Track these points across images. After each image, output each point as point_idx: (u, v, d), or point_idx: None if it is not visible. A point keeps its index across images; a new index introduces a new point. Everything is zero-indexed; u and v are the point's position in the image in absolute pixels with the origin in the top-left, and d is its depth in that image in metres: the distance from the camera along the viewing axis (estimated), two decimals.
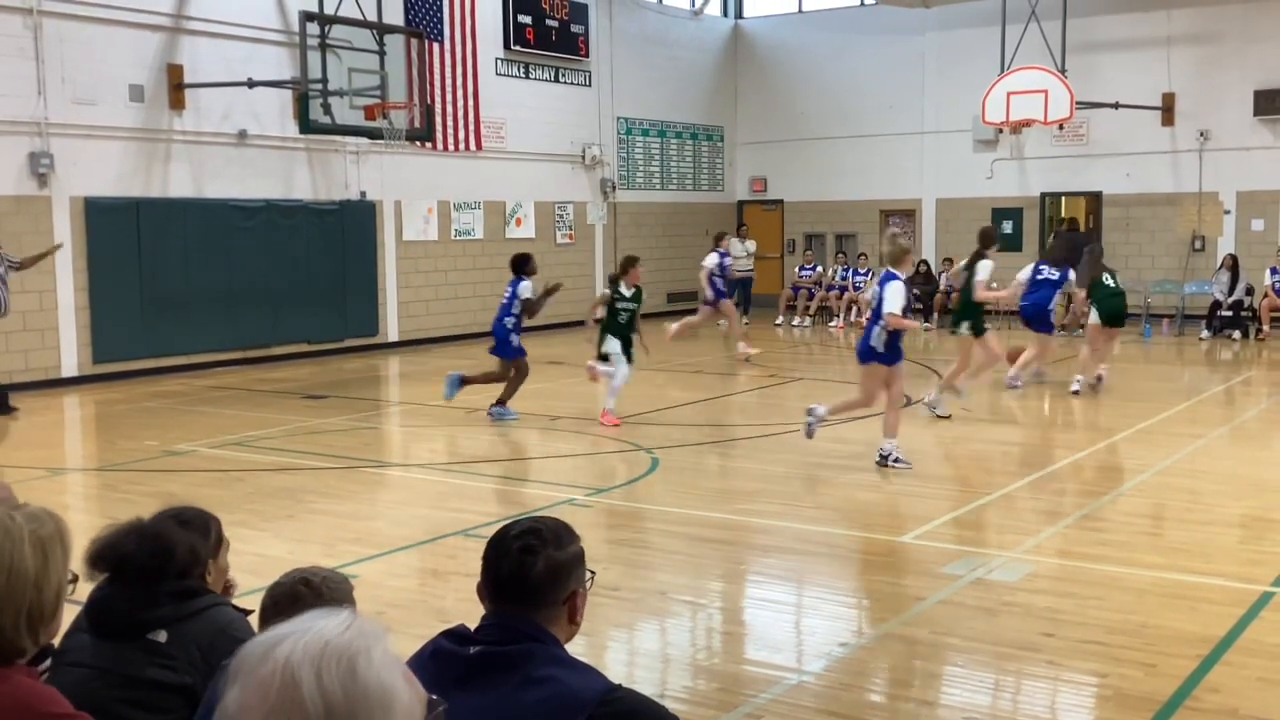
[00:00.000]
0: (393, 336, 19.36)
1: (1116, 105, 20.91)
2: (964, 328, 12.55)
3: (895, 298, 9.52)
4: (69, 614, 2.66)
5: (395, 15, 17.99)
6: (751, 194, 26.78)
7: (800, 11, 26.27)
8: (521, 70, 21.49)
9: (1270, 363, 17.19)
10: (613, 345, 12.04)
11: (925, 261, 23.12)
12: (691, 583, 6.93)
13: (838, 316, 22.78)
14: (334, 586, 2.97)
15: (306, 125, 15.62)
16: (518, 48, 21.16)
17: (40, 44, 14.67)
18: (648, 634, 6.17)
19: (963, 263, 12.93)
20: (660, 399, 13.42)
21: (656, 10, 24.83)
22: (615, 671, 4.91)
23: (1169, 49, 21.53)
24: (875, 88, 24.68)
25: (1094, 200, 23.12)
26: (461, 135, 20.07)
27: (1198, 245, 21.70)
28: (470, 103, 20.17)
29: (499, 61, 20.94)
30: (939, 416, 11.99)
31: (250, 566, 5.06)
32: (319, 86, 15.29)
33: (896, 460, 9.69)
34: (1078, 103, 19.78)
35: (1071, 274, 14.29)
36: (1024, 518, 8.38)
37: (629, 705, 2.37)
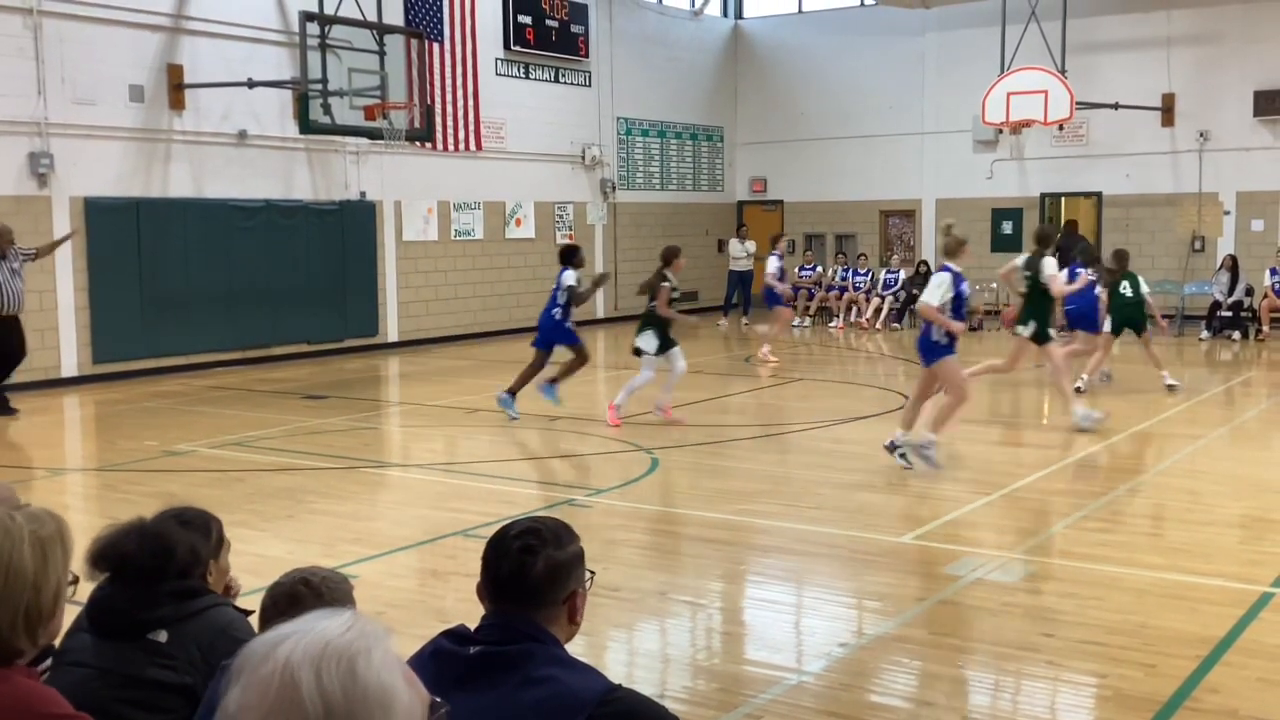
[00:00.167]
0: (393, 337, 19.36)
1: (1116, 106, 20.91)
2: (1028, 328, 11.77)
3: (936, 290, 9.38)
4: (70, 614, 2.66)
5: (395, 15, 17.99)
6: (751, 194, 26.78)
7: (800, 12, 26.27)
8: (521, 70, 21.50)
9: (1270, 363, 17.20)
10: (649, 343, 11.71)
11: (925, 262, 23.12)
12: (691, 583, 6.93)
13: (837, 317, 22.78)
14: (333, 587, 2.97)
15: (306, 125, 15.63)
16: (518, 48, 21.16)
17: (40, 44, 14.68)
18: (647, 634, 6.17)
19: (1019, 260, 12.17)
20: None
21: (656, 10, 24.83)
22: (615, 671, 4.91)
23: (1169, 49, 21.54)
24: (875, 88, 24.68)
25: (1094, 201, 23.13)
26: (461, 135, 20.07)
27: (1197, 246, 21.71)
28: (470, 103, 20.17)
29: (499, 62, 20.94)
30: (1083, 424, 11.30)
31: (250, 567, 5.06)
32: (319, 86, 15.29)
33: (923, 455, 9.39)
34: (1078, 103, 19.79)
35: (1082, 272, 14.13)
36: (1024, 518, 8.38)
37: (629, 705, 2.37)
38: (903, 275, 22.77)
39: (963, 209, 24.01)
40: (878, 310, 22.29)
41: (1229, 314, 19.86)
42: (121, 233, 15.44)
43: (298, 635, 1.37)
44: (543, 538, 2.52)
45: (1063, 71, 19.74)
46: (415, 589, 6.86)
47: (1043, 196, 23.48)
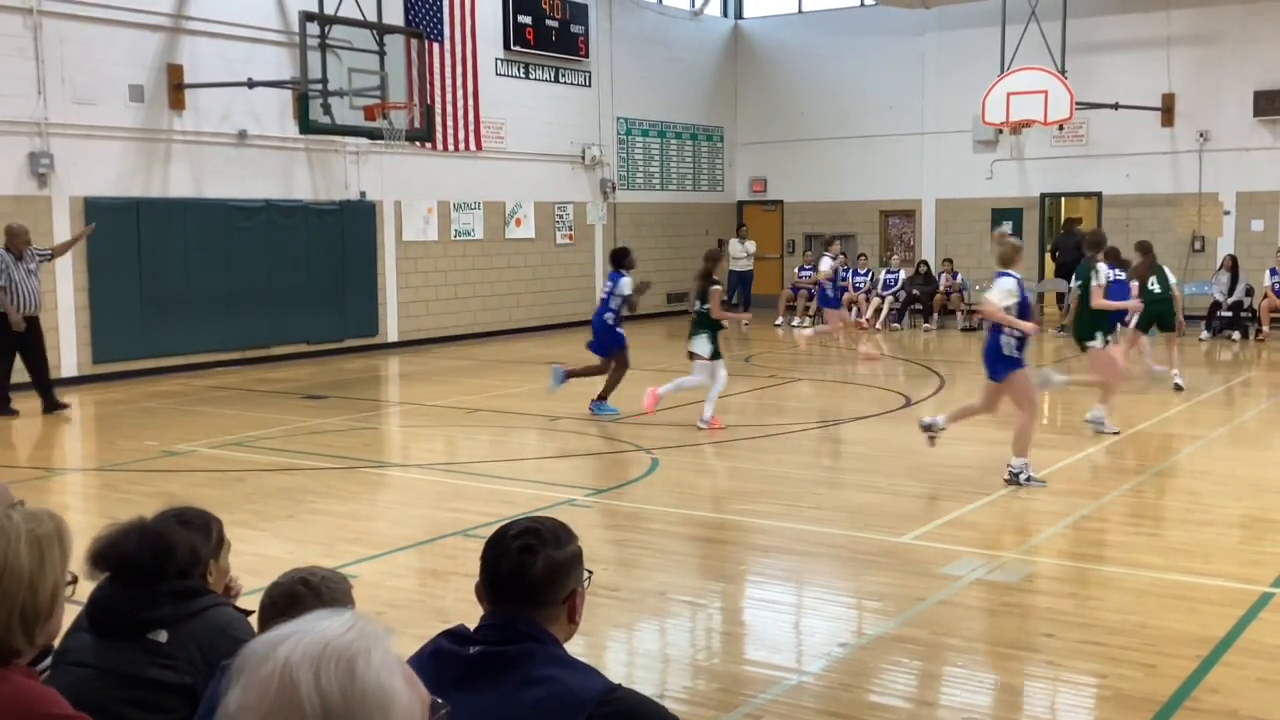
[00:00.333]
0: (392, 337, 19.36)
1: (1116, 106, 20.91)
2: (1098, 339, 11.45)
3: (1004, 294, 9.05)
4: (70, 614, 2.66)
5: (395, 15, 17.99)
6: (751, 194, 26.78)
7: (800, 12, 26.27)
8: (521, 70, 21.49)
9: (1270, 363, 17.20)
10: (704, 347, 11.61)
11: (925, 262, 23.14)
12: (691, 583, 6.93)
13: None
14: (333, 586, 2.97)
15: (306, 125, 15.63)
16: (518, 48, 21.16)
17: (40, 44, 14.67)
18: (647, 634, 6.17)
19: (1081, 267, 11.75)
20: (661, 400, 13.40)
21: (656, 10, 24.83)
22: (615, 671, 4.91)
23: (1169, 50, 21.54)
24: (875, 88, 24.68)
25: (1094, 201, 23.14)
26: (461, 135, 20.07)
27: (1197, 246, 21.70)
28: (470, 103, 20.17)
29: (499, 62, 20.94)
30: (1100, 431, 11.14)
31: (250, 567, 5.05)
32: (319, 86, 15.29)
33: (1023, 478, 9.07)
34: (1077, 103, 19.78)
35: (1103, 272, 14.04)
36: (1024, 518, 8.37)
37: (629, 705, 2.37)
38: (902, 275, 22.78)
39: (963, 209, 24.03)
40: (878, 310, 22.29)
41: (1229, 314, 19.86)
42: (121, 233, 15.44)
43: (298, 635, 1.37)
44: (542, 537, 2.52)
45: (1063, 71, 19.74)
46: (415, 589, 6.86)
47: (1043, 197, 23.48)
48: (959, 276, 22.55)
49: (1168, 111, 21.57)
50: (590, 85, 22.96)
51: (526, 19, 21.23)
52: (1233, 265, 20.15)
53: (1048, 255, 23.53)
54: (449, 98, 19.71)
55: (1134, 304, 12.62)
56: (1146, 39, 21.77)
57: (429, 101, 17.61)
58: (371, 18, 16.55)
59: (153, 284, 15.89)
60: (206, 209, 16.51)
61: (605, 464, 10.46)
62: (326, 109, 15.35)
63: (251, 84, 16.12)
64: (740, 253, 23.24)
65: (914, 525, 7.97)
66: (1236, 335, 19.51)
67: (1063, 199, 24.26)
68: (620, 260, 12.68)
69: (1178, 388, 13.50)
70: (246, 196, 17.03)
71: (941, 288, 22.34)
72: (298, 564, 3.20)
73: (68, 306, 15.10)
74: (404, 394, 15.71)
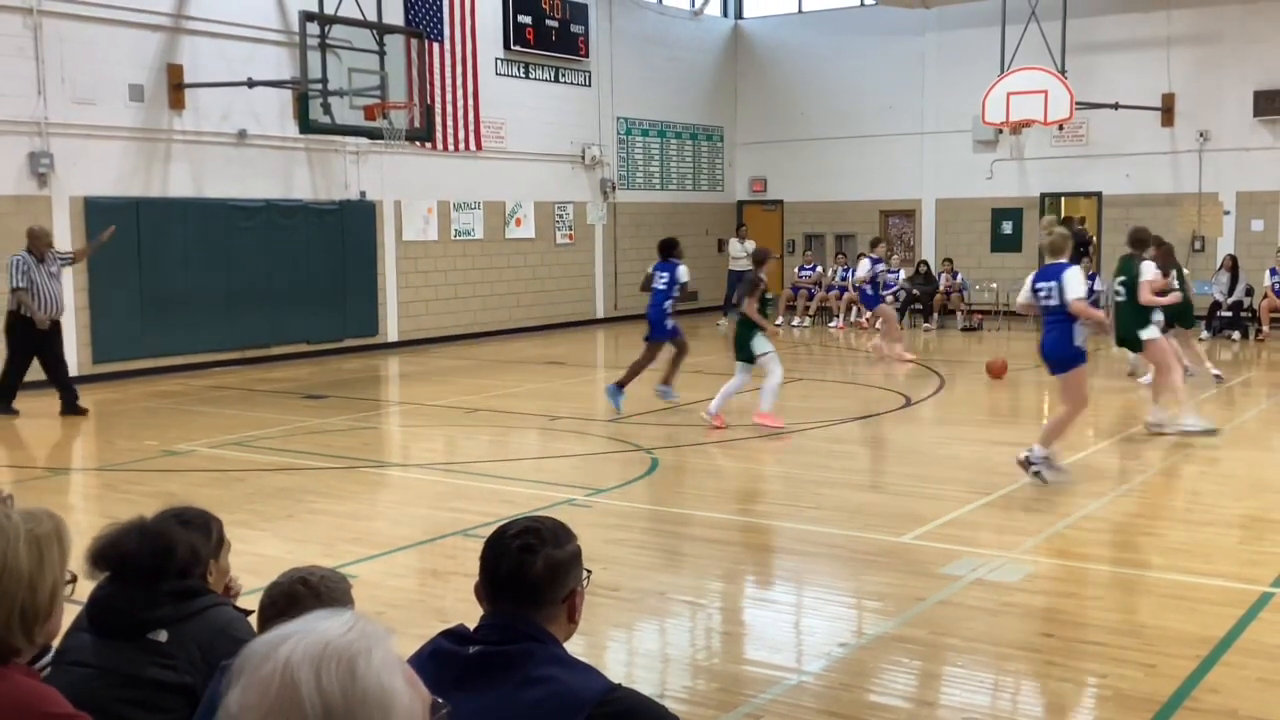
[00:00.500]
0: (392, 337, 19.36)
1: (1116, 106, 20.91)
2: (1150, 330, 11.15)
3: (1079, 284, 8.84)
4: (69, 613, 2.66)
5: (395, 15, 17.99)
6: (751, 194, 26.78)
7: (800, 12, 26.27)
8: (521, 70, 21.50)
9: (1270, 363, 17.20)
10: (763, 344, 11.54)
11: (925, 262, 23.14)
12: (691, 583, 6.93)
13: (837, 317, 22.79)
14: (332, 586, 2.97)
15: (306, 125, 15.63)
16: (518, 48, 21.16)
17: (40, 44, 14.68)
18: (647, 634, 6.17)
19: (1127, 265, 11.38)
20: (660, 399, 13.42)
21: (656, 10, 24.83)
22: (615, 671, 4.91)
23: (1169, 50, 21.54)
24: (875, 88, 24.68)
25: (1094, 201, 23.15)
26: (461, 135, 20.07)
27: (1197, 246, 21.70)
28: (470, 103, 20.18)
29: (499, 61, 20.94)
30: (1196, 432, 10.78)
31: (249, 566, 5.05)
32: (319, 86, 15.29)
33: (1052, 468, 8.96)
34: (1077, 103, 19.78)
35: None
36: (1024, 518, 8.37)
37: (628, 705, 2.37)
38: (902, 275, 22.76)
39: (962, 209, 24.04)
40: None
41: (1229, 314, 19.86)
42: (121, 232, 15.37)
43: (298, 635, 1.37)
44: (542, 537, 2.52)
45: (1063, 71, 19.74)
46: (415, 589, 6.86)
47: (1043, 196, 23.49)
48: (959, 276, 22.55)
49: (1168, 111, 21.57)
50: (590, 85, 22.97)
51: (526, 19, 21.23)
52: (1233, 265, 20.15)
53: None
54: (449, 97, 19.71)
55: (1176, 297, 12.19)
56: (1146, 39, 21.77)
57: (429, 101, 17.61)
58: (371, 18, 16.55)
59: (153, 284, 15.89)
60: (206, 209, 16.51)
61: (605, 464, 10.46)
62: (326, 109, 15.35)
63: (251, 84, 16.12)
64: (740, 253, 23.22)
65: (914, 525, 7.97)
66: (1236, 335, 19.51)
67: (1063, 199, 24.25)
68: (670, 250, 12.81)
69: (1218, 379, 13.71)
70: (246, 196, 17.03)
71: (941, 287, 22.34)
72: (297, 564, 3.20)
73: (68, 306, 15.06)
74: (404, 394, 15.71)
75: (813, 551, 7.61)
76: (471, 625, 2.52)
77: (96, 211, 15.18)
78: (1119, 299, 11.22)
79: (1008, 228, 23.65)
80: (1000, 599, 6.41)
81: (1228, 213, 21.62)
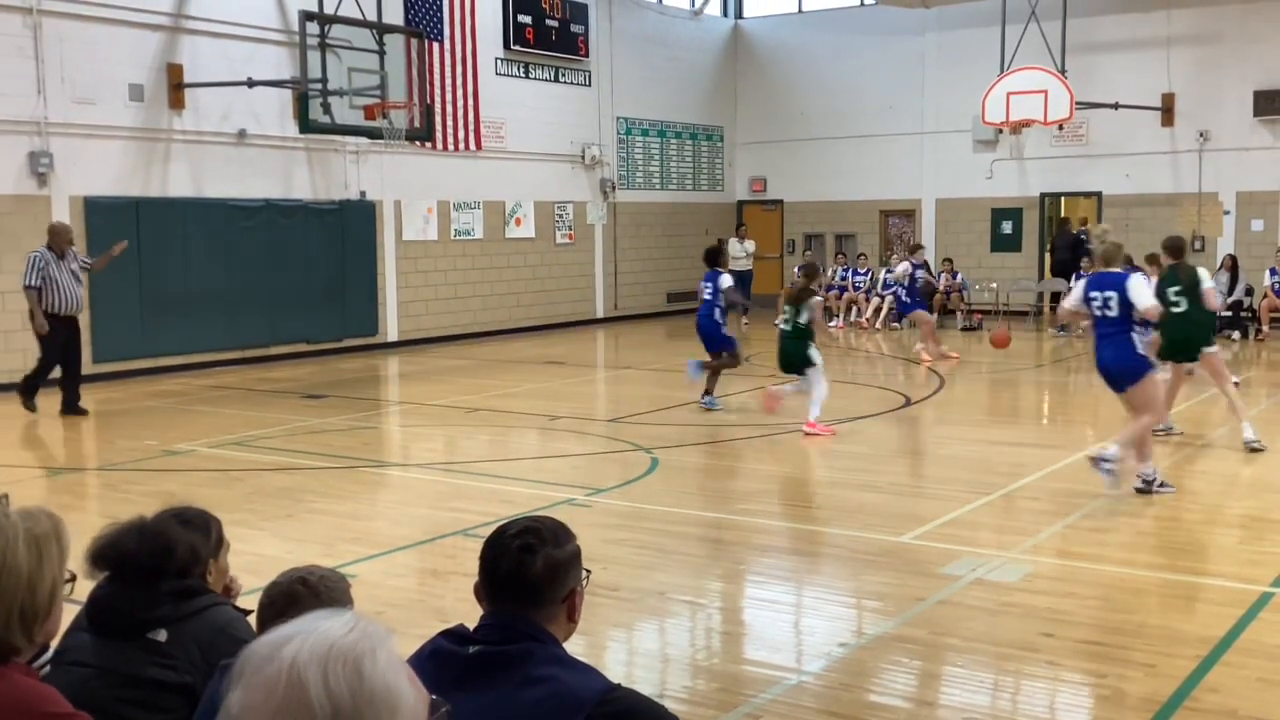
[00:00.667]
0: (392, 336, 19.36)
1: (1116, 106, 20.91)
2: (1213, 345, 10.70)
3: (1147, 291, 8.58)
4: (68, 613, 2.65)
5: (395, 15, 17.99)
6: (751, 194, 26.78)
7: (800, 11, 26.27)
8: (521, 70, 21.49)
9: (1270, 363, 17.20)
10: (818, 357, 11.54)
11: (925, 262, 23.11)
12: (691, 583, 6.93)
13: (837, 316, 22.77)
14: (331, 586, 2.97)
15: (306, 125, 15.62)
16: (517, 47, 21.16)
17: (40, 43, 14.67)
18: (647, 634, 6.17)
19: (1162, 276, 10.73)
20: (660, 399, 13.42)
21: (656, 10, 24.83)
22: (615, 671, 4.91)
23: (1169, 49, 21.54)
24: (875, 88, 24.68)
25: (1094, 200, 23.15)
26: (461, 135, 20.07)
27: (1197, 246, 21.68)
28: (470, 102, 20.17)
29: (499, 61, 20.93)
30: (1256, 450, 10.28)
31: (249, 566, 5.05)
32: (319, 86, 15.29)
33: (1162, 485, 8.72)
34: (1077, 103, 19.79)
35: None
36: (1024, 518, 8.37)
37: (628, 704, 2.37)
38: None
39: (962, 209, 24.04)
40: (877, 310, 22.28)
41: (1229, 314, 19.84)
42: (121, 232, 15.36)
43: (301, 636, 1.37)
44: (541, 536, 2.52)
45: (1062, 71, 19.74)
46: (414, 588, 6.85)
47: (1042, 196, 23.49)
48: (959, 276, 22.55)
49: (1168, 111, 21.57)
50: (590, 85, 22.96)
51: (526, 18, 21.23)
52: (1232, 265, 20.15)
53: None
54: (449, 97, 19.70)
55: (1216, 304, 11.40)
56: (1146, 39, 21.77)
57: (429, 101, 17.61)
58: (371, 17, 16.55)
59: (152, 284, 15.88)
60: (206, 209, 16.51)
61: (605, 463, 10.46)
62: (326, 108, 15.35)
63: (251, 83, 16.12)
64: (739, 252, 23.23)
65: (914, 525, 7.97)
66: (1236, 335, 19.51)
67: (1062, 199, 24.27)
68: (714, 259, 13.07)
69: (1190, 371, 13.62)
70: (246, 196, 17.03)
71: (941, 287, 22.33)
72: (297, 563, 3.20)
73: None
74: (404, 393, 15.71)
75: (812, 551, 7.61)
76: (471, 625, 2.52)
77: (96, 211, 15.18)
78: (1177, 310, 10.39)
79: (1007, 227, 23.65)
80: (1000, 599, 6.41)
81: (1227, 213, 21.62)
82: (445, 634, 2.50)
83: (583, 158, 22.75)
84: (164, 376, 15.72)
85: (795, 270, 14.93)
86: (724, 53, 26.42)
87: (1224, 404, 11.03)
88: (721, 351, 12.87)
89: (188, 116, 16.27)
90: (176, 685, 2.93)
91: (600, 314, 23.43)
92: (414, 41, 16.86)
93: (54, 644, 2.89)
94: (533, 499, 8.72)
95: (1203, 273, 10.63)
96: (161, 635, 2.96)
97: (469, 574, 2.75)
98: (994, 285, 23.00)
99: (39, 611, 2.37)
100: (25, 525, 2.37)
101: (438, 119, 18.82)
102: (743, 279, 23.55)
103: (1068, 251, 22.86)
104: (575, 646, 2.73)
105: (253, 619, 3.05)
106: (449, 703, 1.56)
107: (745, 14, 26.86)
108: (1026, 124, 20.23)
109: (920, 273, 17.98)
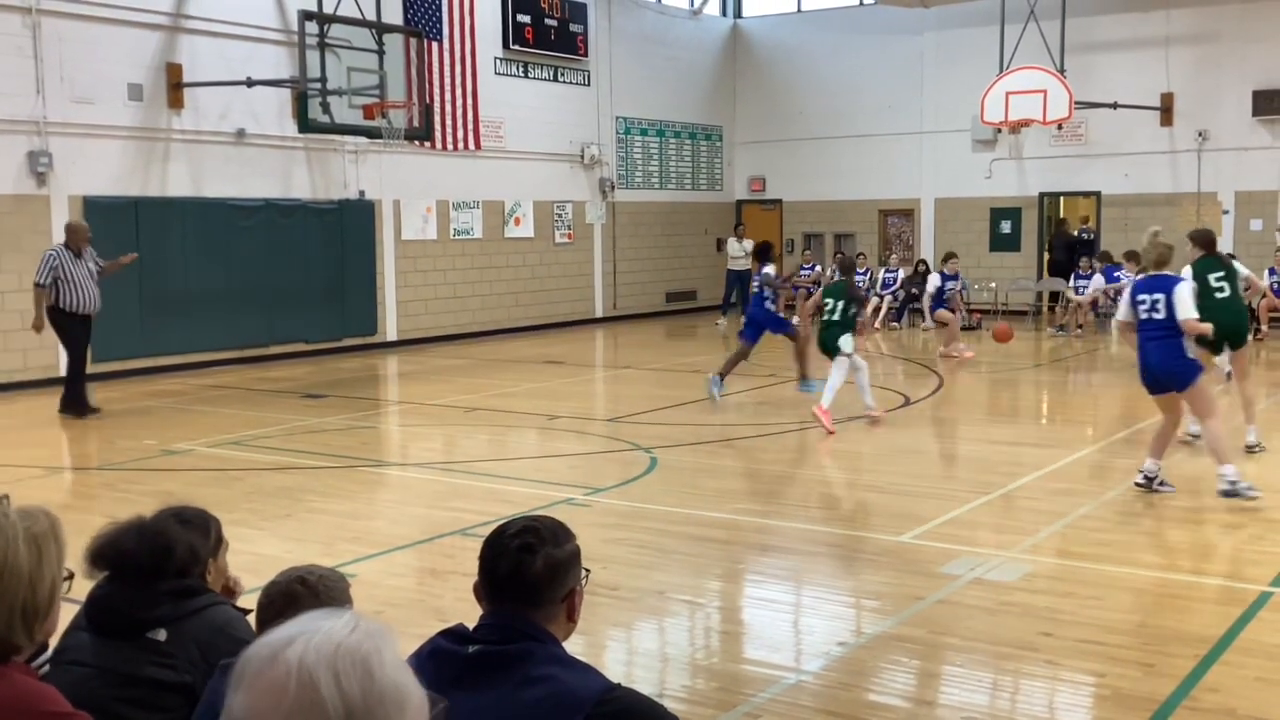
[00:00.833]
0: (391, 336, 19.36)
1: (1115, 105, 20.92)
2: (1250, 338, 10.59)
3: (1191, 301, 8.40)
4: (66, 611, 2.65)
5: (394, 15, 17.99)
6: (750, 193, 26.78)
7: (799, 11, 26.28)
8: (520, 70, 21.49)
9: (1269, 363, 17.19)
10: (850, 344, 11.77)
11: (924, 261, 23.13)
12: (690, 582, 6.93)
13: None
14: (330, 585, 2.97)
15: (305, 124, 15.62)
16: (517, 47, 21.15)
17: (39, 43, 14.66)
18: (647, 634, 6.17)
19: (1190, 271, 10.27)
20: (659, 399, 13.42)
21: (655, 10, 24.83)
22: (614, 671, 4.91)
23: (1168, 49, 21.55)
24: (874, 87, 24.69)
25: (1093, 200, 23.16)
26: (460, 135, 20.07)
27: None
28: (469, 102, 20.17)
29: (498, 61, 20.93)
30: (1255, 452, 10.25)
31: (248, 566, 5.05)
32: (318, 86, 15.29)
33: (1162, 484, 8.68)
34: (1076, 103, 19.80)
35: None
36: (1023, 518, 8.37)
37: (627, 704, 2.37)
38: (901, 274, 22.78)
39: (961, 209, 24.04)
40: (876, 310, 22.28)
41: None
42: (120, 232, 15.40)
43: (304, 637, 1.36)
44: (541, 536, 2.52)
45: (1061, 71, 19.75)
46: (414, 588, 6.85)
47: (1041, 196, 23.50)
48: (958, 276, 22.53)
49: (1166, 111, 21.58)
50: (589, 84, 22.96)
51: (525, 18, 21.23)
52: None
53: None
54: (448, 97, 19.70)
55: (1263, 285, 11.54)
56: (1145, 38, 21.78)
57: (428, 101, 17.61)
58: (371, 17, 16.54)
59: (152, 283, 15.87)
60: (205, 208, 16.51)
61: (604, 463, 10.46)
62: (325, 108, 15.35)
63: (250, 83, 16.12)
64: (738, 251, 23.22)
65: (913, 524, 7.97)
66: None
67: (1061, 198, 24.28)
68: (766, 255, 13.72)
69: (1228, 376, 13.64)
70: (245, 196, 17.02)
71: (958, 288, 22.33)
72: (296, 563, 3.20)
73: None
74: (402, 393, 15.71)
75: (812, 551, 7.61)
76: (471, 625, 2.52)
77: (95, 211, 15.16)
78: (1221, 295, 10.13)
79: (1006, 227, 23.66)
80: (999, 598, 6.41)
81: (1226, 212, 21.62)
82: (444, 633, 2.50)
83: (582, 157, 22.75)
84: (163, 376, 15.72)
85: (830, 269, 15.23)
86: (723, 52, 26.42)
87: (1230, 401, 11.02)
88: (788, 334, 13.53)
89: (187, 116, 16.26)
90: (176, 685, 2.93)
91: (599, 314, 23.44)
92: (413, 41, 16.87)
93: (53, 643, 2.89)
94: (532, 498, 8.72)
95: (1237, 264, 10.60)
96: (161, 635, 2.96)
97: (468, 573, 2.75)
98: (993, 285, 23.00)
99: (40, 610, 2.38)
100: (24, 524, 2.37)
101: (437, 118, 18.82)
102: (741, 278, 23.58)
103: (1063, 252, 22.90)
104: (575, 646, 2.73)
105: (252, 618, 3.05)
106: (448, 703, 1.56)
107: (744, 13, 26.87)
108: (1025, 123, 20.24)
109: (950, 284, 18.05)
